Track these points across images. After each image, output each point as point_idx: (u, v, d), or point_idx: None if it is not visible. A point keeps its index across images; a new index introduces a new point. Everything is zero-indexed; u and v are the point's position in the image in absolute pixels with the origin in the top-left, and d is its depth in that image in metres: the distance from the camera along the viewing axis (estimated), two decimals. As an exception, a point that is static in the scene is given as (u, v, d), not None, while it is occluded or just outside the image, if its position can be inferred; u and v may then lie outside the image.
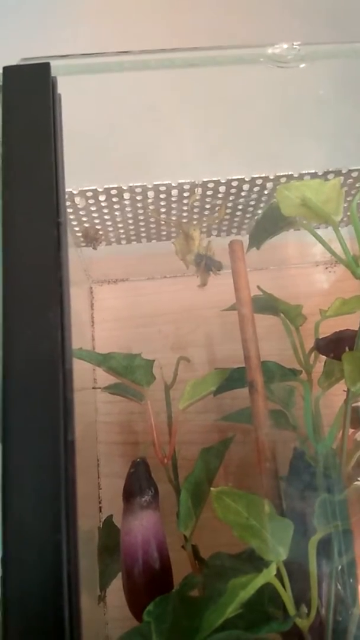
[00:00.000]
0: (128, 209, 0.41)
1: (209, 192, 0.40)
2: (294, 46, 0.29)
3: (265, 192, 0.40)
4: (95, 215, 0.41)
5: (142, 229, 0.44)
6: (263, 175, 0.38)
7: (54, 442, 0.19)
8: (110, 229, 0.44)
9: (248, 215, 0.43)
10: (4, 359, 0.21)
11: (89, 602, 0.36)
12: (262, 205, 0.42)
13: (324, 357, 0.36)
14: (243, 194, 0.40)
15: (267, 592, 0.27)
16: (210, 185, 0.39)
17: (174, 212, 0.42)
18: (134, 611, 0.32)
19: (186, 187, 0.39)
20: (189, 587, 0.30)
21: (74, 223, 0.42)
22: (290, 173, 0.38)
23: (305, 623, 0.27)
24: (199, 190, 0.39)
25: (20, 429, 0.20)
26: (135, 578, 0.31)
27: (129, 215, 0.42)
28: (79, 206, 0.40)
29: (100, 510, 0.44)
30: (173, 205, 0.41)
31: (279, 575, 0.26)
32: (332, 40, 0.29)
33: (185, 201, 0.40)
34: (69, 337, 0.21)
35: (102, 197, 0.39)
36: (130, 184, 0.38)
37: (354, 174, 0.39)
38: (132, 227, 0.44)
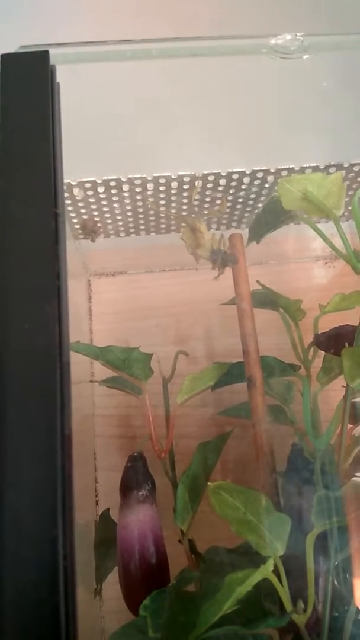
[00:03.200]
0: (127, 201, 0.40)
1: (209, 185, 0.39)
2: (297, 37, 0.29)
3: (266, 185, 0.40)
4: (93, 207, 0.41)
5: (141, 222, 0.44)
6: (264, 168, 0.38)
7: (51, 436, 0.19)
8: (109, 221, 0.43)
9: (248, 209, 0.43)
10: (0, 352, 0.20)
11: (85, 595, 0.36)
12: (262, 198, 0.42)
13: (322, 353, 0.36)
14: (244, 187, 0.40)
15: (263, 587, 0.27)
16: (211, 178, 0.38)
17: (173, 204, 0.41)
18: (130, 605, 0.32)
19: (186, 179, 0.38)
20: (185, 582, 0.30)
21: (72, 215, 0.42)
22: (291, 166, 0.38)
23: (302, 619, 0.27)
24: (199, 183, 0.39)
25: (16, 423, 0.19)
26: (131, 572, 0.31)
27: (128, 207, 0.41)
28: (77, 197, 0.39)
29: (97, 504, 0.44)
30: (172, 198, 0.40)
31: (276, 571, 0.26)
32: (336, 32, 0.29)
33: (185, 194, 0.40)
34: (66, 330, 0.21)
35: (100, 189, 0.38)
36: (130, 176, 0.37)
37: (356, 168, 0.39)
38: (131, 220, 0.44)
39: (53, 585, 0.17)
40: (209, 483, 0.28)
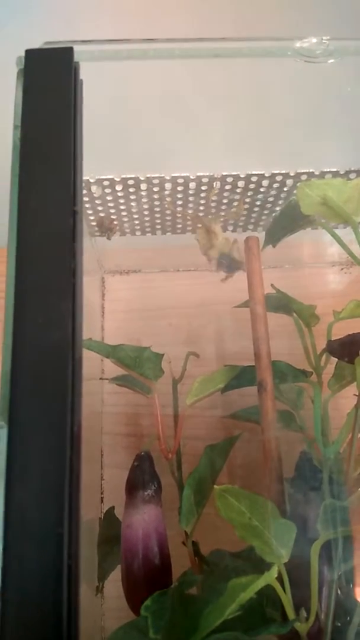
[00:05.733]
0: (144, 200, 0.40)
1: (228, 187, 0.39)
2: (323, 41, 0.28)
3: (285, 189, 0.40)
4: (111, 205, 0.41)
5: (158, 221, 0.44)
6: (283, 171, 0.38)
7: (61, 432, 0.19)
8: (126, 219, 0.43)
9: (266, 212, 0.43)
10: (14, 347, 0.20)
11: (87, 592, 0.36)
12: (280, 202, 0.41)
13: (335, 359, 0.36)
14: (262, 189, 0.40)
15: (266, 594, 0.26)
16: (229, 179, 0.38)
17: (190, 205, 0.41)
18: (132, 604, 0.32)
19: (204, 180, 0.38)
20: (187, 584, 0.30)
21: (89, 212, 0.42)
22: (311, 170, 0.38)
23: (304, 627, 0.26)
24: (217, 184, 0.38)
25: (27, 418, 0.19)
26: (134, 571, 0.31)
27: (145, 206, 0.41)
28: (95, 195, 0.39)
29: (102, 501, 0.44)
30: (190, 199, 0.40)
31: (279, 578, 0.26)
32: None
33: (202, 194, 0.40)
34: (80, 327, 0.21)
35: (118, 187, 0.38)
36: (148, 175, 0.37)
37: (377, 175, 0.38)
38: (147, 219, 0.43)
39: (57, 584, 0.17)
40: (215, 486, 0.28)
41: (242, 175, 0.38)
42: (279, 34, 0.28)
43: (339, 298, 0.50)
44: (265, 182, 0.39)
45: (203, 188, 0.39)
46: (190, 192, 0.39)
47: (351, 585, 0.29)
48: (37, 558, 0.18)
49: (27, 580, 0.17)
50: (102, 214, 0.42)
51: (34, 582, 0.17)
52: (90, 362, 0.44)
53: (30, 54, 0.25)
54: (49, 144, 0.23)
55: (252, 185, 0.39)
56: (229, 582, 0.24)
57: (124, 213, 0.42)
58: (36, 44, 0.25)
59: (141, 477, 0.34)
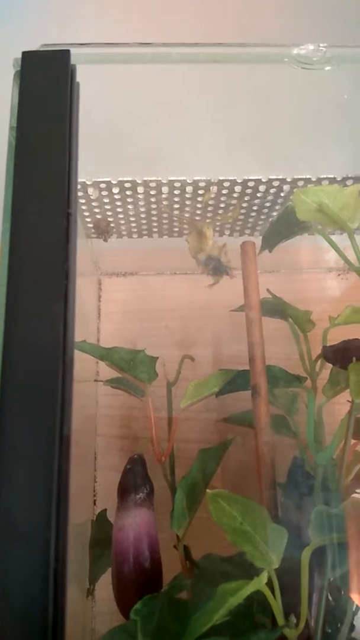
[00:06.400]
0: (141, 203, 0.40)
1: (224, 191, 0.39)
2: (320, 48, 0.28)
3: (282, 194, 0.40)
4: (107, 207, 0.41)
5: (154, 224, 0.44)
6: (280, 177, 0.38)
7: (49, 435, 0.19)
8: (122, 222, 0.43)
9: (262, 217, 0.43)
10: (4, 349, 0.20)
11: (78, 594, 0.36)
12: (277, 207, 0.41)
13: (330, 365, 0.36)
14: (259, 195, 0.40)
15: (256, 599, 0.26)
16: (226, 184, 0.38)
17: (187, 209, 0.41)
18: (122, 608, 0.31)
19: (201, 184, 0.38)
20: (178, 589, 0.30)
21: (86, 214, 0.42)
22: (308, 177, 0.38)
23: (293, 634, 0.26)
24: (214, 189, 0.38)
25: (16, 421, 0.19)
26: (124, 575, 0.31)
27: (142, 209, 0.41)
28: (91, 197, 0.39)
29: (95, 504, 0.44)
30: (187, 202, 0.40)
31: (269, 584, 0.26)
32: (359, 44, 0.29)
33: (199, 198, 0.40)
34: (71, 330, 0.21)
35: (115, 190, 0.39)
36: (145, 178, 0.37)
37: (373, 181, 0.38)
38: (144, 222, 0.44)
39: (43, 588, 0.17)
40: (207, 490, 0.28)
41: (239, 180, 0.38)
42: (277, 41, 0.28)
43: (335, 304, 0.50)
44: (262, 187, 0.39)
45: (200, 192, 0.39)
46: (187, 196, 0.39)
47: (342, 592, 0.29)
48: (24, 561, 0.18)
49: (13, 583, 0.17)
50: (98, 216, 0.42)
51: (20, 585, 0.17)
52: (85, 364, 0.44)
53: (27, 56, 0.25)
54: (44, 146, 0.23)
55: (249, 190, 0.39)
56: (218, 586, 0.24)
57: (120, 216, 0.42)
58: (34, 46, 0.25)
59: (133, 480, 0.34)
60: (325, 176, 0.38)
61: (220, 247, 0.36)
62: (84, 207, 0.41)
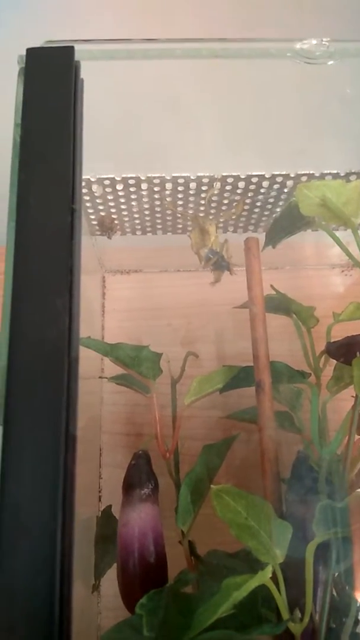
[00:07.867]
0: (145, 199, 0.40)
1: (228, 187, 0.39)
2: (323, 42, 0.28)
3: (285, 190, 0.40)
4: (111, 204, 0.41)
5: (158, 221, 0.44)
6: (284, 172, 0.38)
7: (56, 432, 0.19)
8: (126, 219, 0.43)
9: (266, 213, 0.43)
10: (10, 345, 0.20)
11: (84, 590, 0.36)
12: (281, 203, 0.41)
13: (334, 361, 0.36)
14: (262, 190, 0.40)
15: (261, 593, 0.26)
16: (230, 180, 0.38)
17: (191, 205, 0.41)
18: (127, 602, 0.32)
19: (205, 180, 0.38)
20: (182, 583, 0.30)
21: (90, 211, 0.42)
22: (311, 172, 0.38)
23: (297, 628, 0.26)
24: (217, 185, 0.38)
25: (22, 417, 0.19)
26: (130, 570, 0.31)
27: (146, 206, 0.41)
28: (95, 194, 0.39)
29: (100, 500, 0.44)
30: (190, 199, 0.40)
31: (274, 578, 0.26)
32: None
33: (203, 195, 0.40)
34: (76, 326, 0.21)
35: (119, 186, 0.39)
36: (149, 175, 0.38)
37: (377, 177, 0.38)
38: (148, 218, 0.44)
39: (49, 583, 0.17)
40: (212, 486, 0.28)
41: (242, 176, 0.38)
42: (280, 35, 0.28)
43: (339, 300, 0.50)
44: (265, 183, 0.39)
45: (203, 188, 0.39)
46: (191, 192, 0.39)
47: (347, 587, 0.29)
48: (31, 556, 0.18)
49: (20, 577, 0.17)
50: (102, 213, 0.42)
51: (26, 580, 0.17)
52: (90, 361, 0.44)
53: (32, 53, 0.25)
54: (49, 142, 0.23)
55: (252, 186, 0.39)
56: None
57: (124, 212, 0.42)
58: (38, 42, 0.25)
59: (138, 476, 0.34)
60: (328, 172, 0.38)
61: (221, 244, 0.36)
62: (88, 204, 0.41)
